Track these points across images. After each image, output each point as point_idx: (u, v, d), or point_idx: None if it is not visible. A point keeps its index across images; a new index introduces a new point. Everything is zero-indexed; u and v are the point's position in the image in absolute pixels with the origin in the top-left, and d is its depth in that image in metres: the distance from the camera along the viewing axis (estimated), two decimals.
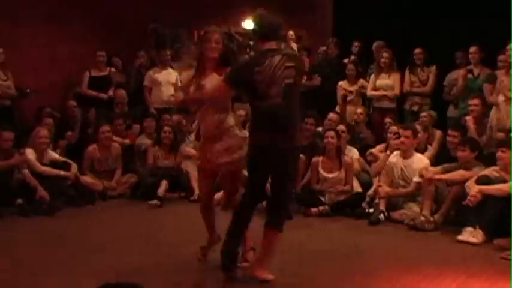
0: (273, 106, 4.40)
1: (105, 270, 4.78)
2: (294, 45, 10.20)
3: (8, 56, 8.55)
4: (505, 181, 6.03)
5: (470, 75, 8.28)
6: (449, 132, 7.31)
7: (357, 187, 7.46)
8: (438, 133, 8.01)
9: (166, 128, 8.31)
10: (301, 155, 7.32)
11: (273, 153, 4.45)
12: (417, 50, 8.78)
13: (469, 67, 8.32)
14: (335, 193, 7.23)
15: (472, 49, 8.21)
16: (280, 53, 4.50)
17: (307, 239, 6.05)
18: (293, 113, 4.53)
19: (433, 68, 8.79)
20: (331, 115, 8.48)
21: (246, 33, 11.33)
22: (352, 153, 7.76)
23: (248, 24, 11.67)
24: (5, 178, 7.09)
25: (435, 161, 7.19)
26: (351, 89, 9.12)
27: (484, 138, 7.27)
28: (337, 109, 9.04)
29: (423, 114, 8.17)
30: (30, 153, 7.30)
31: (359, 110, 8.78)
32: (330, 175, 7.25)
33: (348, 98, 9.08)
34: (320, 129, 8.50)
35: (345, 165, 7.29)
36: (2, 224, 6.46)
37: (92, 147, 8.16)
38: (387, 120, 8.22)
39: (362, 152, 7.95)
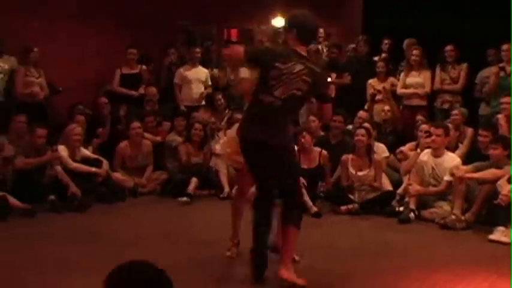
0: (272, 106, 4.38)
1: None
2: (323, 45, 10.20)
3: (41, 54, 8.66)
4: None
5: (502, 73, 8.19)
6: (480, 131, 7.25)
7: (388, 185, 7.44)
8: (469, 131, 7.94)
9: (196, 125, 8.36)
10: (324, 152, 7.40)
11: (265, 151, 4.44)
12: (448, 47, 8.70)
13: (501, 65, 8.23)
14: (365, 191, 7.23)
15: (505, 46, 8.12)
16: (304, 63, 4.43)
17: (337, 236, 6.06)
18: (287, 117, 4.56)
19: (464, 65, 8.71)
20: (360, 113, 8.52)
21: (275, 31, 11.39)
22: (380, 149, 7.72)
23: (277, 22, 11.70)
24: (38, 174, 7.22)
25: (466, 160, 7.13)
26: (379, 87, 9.06)
27: None
28: (366, 107, 9.01)
29: (454, 112, 8.11)
30: (62, 150, 7.40)
31: (386, 108, 8.73)
32: (360, 173, 7.24)
33: (377, 98, 9.04)
34: (350, 127, 8.50)
35: (374, 163, 7.27)
36: (35, 219, 6.55)
37: (123, 144, 8.24)
38: (419, 117, 8.18)
39: (391, 150, 7.93)
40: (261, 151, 4.46)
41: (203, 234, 5.96)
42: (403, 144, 7.91)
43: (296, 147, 7.20)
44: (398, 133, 8.67)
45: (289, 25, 4.59)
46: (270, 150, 4.43)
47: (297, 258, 4.83)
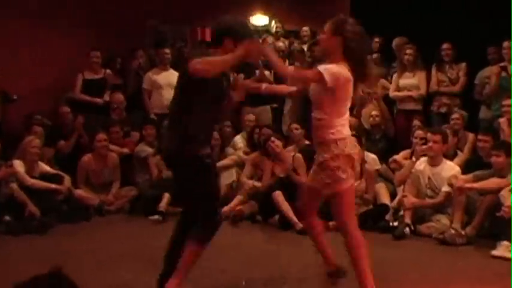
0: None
1: None
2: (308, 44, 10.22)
3: None
4: None
5: (504, 73, 8.27)
6: (480, 136, 7.32)
7: (385, 197, 7.45)
8: (470, 136, 8.01)
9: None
10: (297, 155, 7.60)
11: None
12: (445, 45, 8.78)
13: (502, 64, 8.31)
14: (356, 205, 7.26)
15: (506, 44, 8.20)
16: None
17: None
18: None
19: (463, 65, 8.79)
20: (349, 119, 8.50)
21: (256, 30, 11.45)
22: (372, 160, 7.78)
23: (257, 20, 11.78)
24: None
25: (466, 168, 7.20)
26: (369, 90, 9.12)
27: None
28: (354, 112, 9.08)
29: (455, 115, 8.17)
30: (18, 165, 7.36)
31: (374, 112, 8.79)
32: None
33: (368, 99, 9.09)
34: None
35: (366, 174, 7.33)
36: None
37: (87, 158, 8.23)
38: (415, 122, 8.23)
39: (383, 159, 8.00)
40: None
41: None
42: (395, 152, 7.99)
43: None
44: (389, 139, 8.74)
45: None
46: None
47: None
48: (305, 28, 10.76)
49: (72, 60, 9.82)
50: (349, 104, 4.51)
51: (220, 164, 8.15)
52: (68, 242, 6.64)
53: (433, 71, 8.88)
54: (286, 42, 10.81)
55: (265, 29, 11.67)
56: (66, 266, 5.32)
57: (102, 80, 9.54)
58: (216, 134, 8.40)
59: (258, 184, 7.85)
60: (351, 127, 8.12)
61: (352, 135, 7.28)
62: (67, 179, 7.73)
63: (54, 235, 6.93)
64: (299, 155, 7.63)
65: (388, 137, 8.78)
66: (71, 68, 9.64)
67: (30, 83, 9.36)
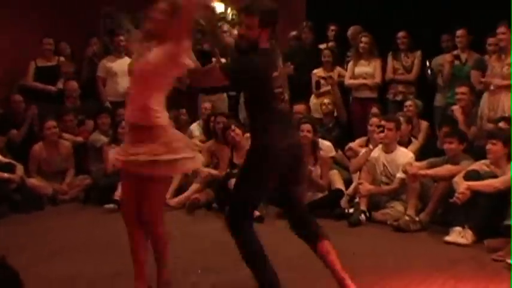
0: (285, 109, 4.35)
1: (57, 281, 4.78)
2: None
3: None
4: (495, 176, 6.12)
5: (457, 62, 8.36)
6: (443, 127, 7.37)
7: (339, 184, 7.44)
8: (424, 124, 8.11)
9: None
10: None
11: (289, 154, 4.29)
12: (401, 34, 8.83)
13: (455, 52, 8.41)
14: (311, 192, 7.28)
15: (460, 32, 8.29)
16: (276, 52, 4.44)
17: (282, 243, 6.04)
18: None
19: (418, 53, 8.86)
20: (297, 107, 8.40)
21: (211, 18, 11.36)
22: (326, 148, 7.79)
23: (218, 5, 11.66)
24: None
25: (421, 155, 7.27)
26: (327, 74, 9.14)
27: (473, 130, 7.37)
28: (313, 97, 9.09)
29: (408, 103, 8.23)
30: None
31: (326, 101, 8.80)
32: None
33: (322, 86, 9.11)
34: None
35: (320, 160, 7.34)
36: None
37: (38, 146, 8.12)
38: (373, 110, 8.26)
39: (338, 146, 8.03)
40: (287, 156, 4.29)
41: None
42: (351, 140, 8.04)
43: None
44: (342, 127, 8.79)
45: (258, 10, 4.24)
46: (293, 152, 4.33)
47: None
48: None
49: (24, 47, 9.62)
50: None
51: None
52: (20, 231, 6.55)
53: (389, 59, 8.94)
54: None
55: (222, 17, 11.59)
56: (17, 256, 5.26)
57: (56, 67, 9.39)
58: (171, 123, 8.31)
59: (214, 172, 7.82)
60: (301, 114, 8.22)
61: (305, 122, 7.40)
62: (19, 168, 7.60)
63: (6, 225, 6.82)
64: None
65: (341, 124, 8.82)
66: (23, 56, 9.46)
67: None
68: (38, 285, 4.66)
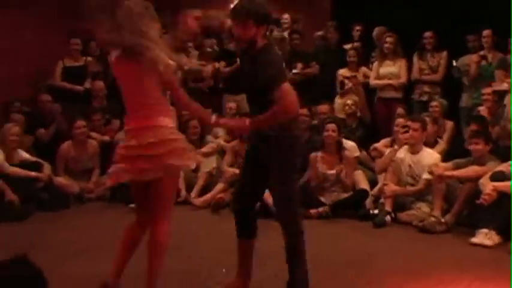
0: None
1: (82, 280, 4.80)
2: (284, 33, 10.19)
3: None
4: None
5: (483, 62, 8.29)
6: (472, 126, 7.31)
7: (363, 184, 7.45)
8: (449, 124, 8.05)
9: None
10: None
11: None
12: (427, 34, 8.79)
13: (482, 52, 8.34)
14: (336, 192, 7.26)
15: (486, 32, 8.24)
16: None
17: (307, 243, 6.06)
18: None
19: (444, 53, 8.81)
20: (321, 107, 8.49)
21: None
22: (351, 148, 7.76)
23: None
24: None
25: (447, 156, 7.22)
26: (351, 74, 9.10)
27: (497, 130, 7.31)
28: (338, 97, 9.06)
29: (433, 103, 8.19)
30: None
31: (349, 101, 8.77)
32: (330, 171, 7.27)
33: (346, 86, 9.09)
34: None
35: (345, 160, 7.32)
36: None
37: (66, 145, 8.17)
38: (399, 111, 8.22)
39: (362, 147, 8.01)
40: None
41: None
42: (375, 140, 8.00)
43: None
44: (366, 127, 8.75)
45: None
46: None
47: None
48: (285, 16, 10.71)
49: (51, 47, 9.71)
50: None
51: (200, 151, 8.10)
52: (47, 230, 6.60)
53: (415, 59, 8.89)
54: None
55: None
56: (43, 254, 5.30)
57: (83, 67, 9.46)
58: (195, 122, 8.35)
59: (238, 172, 7.81)
60: (324, 114, 8.21)
61: (330, 121, 7.38)
62: (47, 167, 7.67)
63: (33, 223, 6.89)
64: None
65: (364, 125, 8.78)
66: (51, 56, 9.55)
67: (8, 71, 9.25)
68: (63, 284, 4.69)
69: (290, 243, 4.34)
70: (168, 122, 4.10)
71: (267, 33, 4.35)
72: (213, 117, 4.32)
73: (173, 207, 4.30)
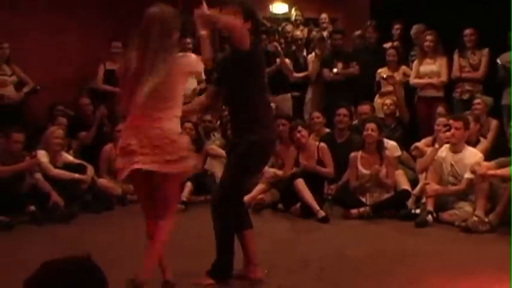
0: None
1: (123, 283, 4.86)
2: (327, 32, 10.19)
3: (14, 50, 8.65)
4: None
5: None
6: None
7: (404, 184, 7.41)
8: (494, 122, 7.94)
9: (187, 125, 8.31)
10: (322, 144, 7.66)
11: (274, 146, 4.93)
12: (468, 31, 8.68)
13: None
14: (377, 192, 7.23)
15: None
16: None
17: (347, 243, 6.06)
18: None
19: (485, 50, 8.69)
20: (361, 107, 8.49)
21: (275, 19, 11.42)
22: (392, 147, 7.72)
23: (277, 8, 11.70)
24: (16, 183, 7.21)
25: (491, 155, 7.12)
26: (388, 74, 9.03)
27: None
28: (376, 99, 9.01)
29: (476, 101, 8.09)
30: (42, 156, 7.42)
31: (388, 101, 8.72)
32: (371, 172, 7.23)
33: (383, 88, 9.04)
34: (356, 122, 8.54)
35: (386, 160, 7.28)
36: (13, 233, 6.57)
37: (109, 147, 8.25)
38: (439, 110, 8.15)
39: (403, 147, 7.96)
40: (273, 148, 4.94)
41: (200, 244, 5.96)
42: (416, 139, 7.95)
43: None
44: (404, 127, 8.69)
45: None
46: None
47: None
48: (324, 15, 10.71)
49: (92, 51, 9.84)
50: None
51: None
52: (91, 231, 6.69)
53: (455, 57, 8.80)
54: (305, 30, 10.75)
55: (285, 17, 11.61)
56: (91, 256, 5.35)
57: None
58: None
59: (279, 172, 7.82)
60: (366, 114, 8.18)
61: (370, 121, 7.37)
62: (90, 169, 7.77)
63: (78, 224, 6.99)
64: (324, 145, 7.61)
65: (403, 125, 8.72)
66: (93, 59, 9.68)
67: (52, 74, 9.40)
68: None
69: (215, 226, 4.65)
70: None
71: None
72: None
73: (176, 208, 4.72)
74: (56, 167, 7.50)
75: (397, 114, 8.78)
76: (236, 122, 4.74)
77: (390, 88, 8.93)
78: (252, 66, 4.54)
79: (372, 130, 7.26)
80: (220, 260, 4.72)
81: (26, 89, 8.80)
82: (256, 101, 4.59)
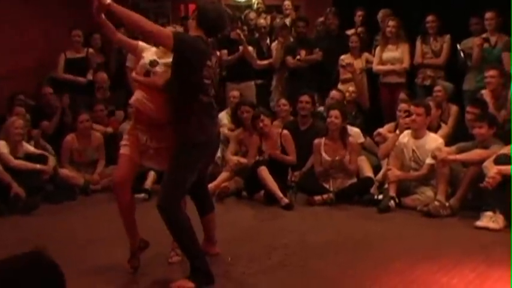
0: (211, 103, 4.65)
1: (89, 271, 4.85)
2: (288, 19, 10.20)
3: None
4: None
5: (486, 45, 8.25)
6: (468, 108, 7.30)
7: (368, 171, 7.48)
8: (454, 108, 8.01)
9: None
10: (284, 131, 7.70)
11: (213, 146, 4.87)
12: (430, 18, 8.71)
13: (484, 35, 8.29)
14: (341, 179, 7.28)
15: (488, 15, 8.18)
16: (215, 55, 4.83)
17: (311, 230, 6.10)
18: None
19: (447, 37, 8.75)
20: (333, 93, 8.52)
21: (237, 6, 11.39)
22: (355, 134, 7.77)
23: None
24: None
25: (452, 140, 7.20)
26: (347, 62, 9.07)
27: (503, 113, 7.29)
28: (339, 86, 9.04)
29: (437, 88, 8.15)
30: (2, 147, 7.33)
31: (351, 88, 8.77)
32: (333, 158, 7.27)
33: (342, 76, 9.11)
34: (321, 108, 8.56)
35: (349, 147, 7.33)
36: None
37: (70, 137, 8.20)
38: (401, 96, 8.22)
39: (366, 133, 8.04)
40: (212, 148, 4.91)
41: (162, 234, 5.94)
42: (379, 126, 8.00)
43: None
44: (365, 114, 8.76)
45: (202, 17, 4.61)
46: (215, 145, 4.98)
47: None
48: (287, 2, 10.69)
49: (53, 40, 9.73)
50: None
51: None
52: (53, 222, 6.65)
53: (418, 43, 8.84)
54: (269, 18, 10.74)
55: (247, 4, 11.59)
56: (52, 246, 5.30)
57: (85, 58, 9.48)
58: None
59: (243, 160, 7.83)
60: (336, 101, 8.20)
61: (333, 108, 7.41)
62: (52, 159, 7.70)
63: (39, 215, 6.93)
64: (287, 132, 7.64)
65: (363, 112, 8.79)
66: (53, 48, 9.57)
67: (12, 64, 9.27)
68: (70, 276, 4.73)
69: (163, 218, 4.65)
70: None
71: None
72: None
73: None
74: (16, 157, 7.41)
75: (357, 101, 8.82)
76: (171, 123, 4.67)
77: (350, 75, 8.96)
78: (177, 65, 4.49)
79: (336, 117, 7.29)
80: (193, 262, 4.61)
81: None
82: (185, 101, 4.51)
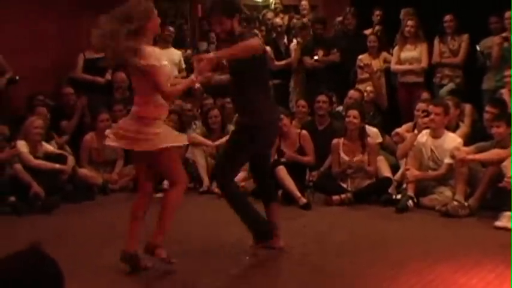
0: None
1: (109, 271, 4.87)
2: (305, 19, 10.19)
3: None
4: None
5: (506, 44, 8.20)
6: (487, 108, 7.27)
7: (386, 171, 7.45)
8: (467, 107, 7.97)
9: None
10: (303, 131, 7.74)
11: (274, 128, 5.27)
12: (447, 17, 8.73)
13: (504, 34, 8.25)
14: (359, 178, 7.27)
15: (507, 14, 8.14)
16: None
17: (329, 230, 6.10)
18: None
19: (465, 36, 8.74)
20: (351, 92, 8.52)
21: (255, 6, 11.41)
22: (373, 134, 7.76)
23: None
24: None
25: (470, 140, 7.18)
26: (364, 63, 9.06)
27: None
28: (357, 86, 9.03)
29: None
30: (22, 146, 7.37)
31: (369, 88, 8.76)
32: (354, 158, 7.26)
33: (359, 76, 9.08)
34: (340, 108, 8.55)
35: (368, 147, 7.31)
36: None
37: (90, 136, 8.26)
38: (424, 95, 8.21)
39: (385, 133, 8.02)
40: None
41: (182, 232, 5.98)
42: (398, 125, 7.98)
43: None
44: (383, 114, 8.75)
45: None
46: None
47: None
48: (304, 2, 10.69)
49: (73, 40, 9.78)
50: None
51: (222, 140, 8.14)
52: (72, 221, 6.69)
53: (436, 42, 8.84)
54: (286, 18, 10.75)
55: (265, 4, 11.60)
56: (71, 246, 5.37)
57: (104, 59, 9.51)
58: (216, 112, 8.41)
59: None
60: (355, 101, 8.20)
61: (353, 108, 7.40)
62: (71, 159, 7.75)
63: (58, 215, 6.97)
64: (306, 132, 7.63)
65: (381, 111, 8.78)
66: (72, 48, 9.61)
67: (31, 64, 9.31)
68: (89, 274, 4.78)
69: (228, 203, 5.12)
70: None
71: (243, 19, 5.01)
72: (192, 77, 4.97)
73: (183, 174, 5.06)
74: (36, 157, 7.45)
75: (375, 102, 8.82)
76: (235, 107, 5.59)
77: (367, 75, 8.94)
78: (259, 59, 4.91)
79: (354, 117, 7.28)
80: (254, 228, 5.09)
81: (5, 77, 8.73)
82: (254, 89, 4.95)
